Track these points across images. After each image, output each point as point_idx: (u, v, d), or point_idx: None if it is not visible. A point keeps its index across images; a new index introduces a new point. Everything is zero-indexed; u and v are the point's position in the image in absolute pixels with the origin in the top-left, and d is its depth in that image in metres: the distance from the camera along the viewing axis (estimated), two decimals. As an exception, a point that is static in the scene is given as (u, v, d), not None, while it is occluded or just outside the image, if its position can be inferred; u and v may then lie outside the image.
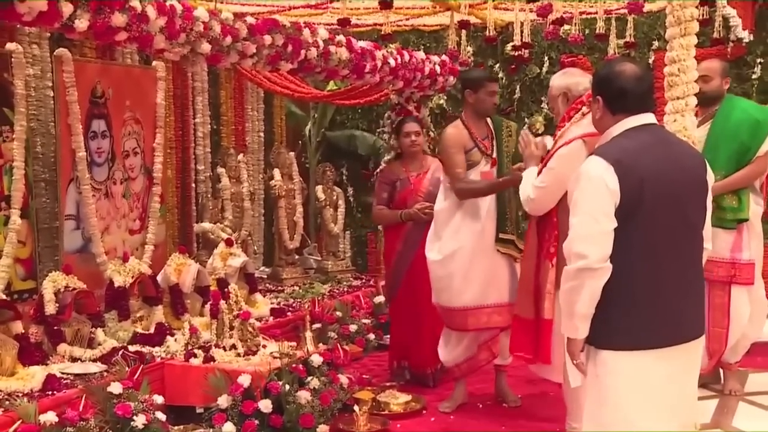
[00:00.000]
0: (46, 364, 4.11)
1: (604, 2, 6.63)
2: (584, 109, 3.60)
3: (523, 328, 3.82)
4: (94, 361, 4.23)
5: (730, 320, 4.54)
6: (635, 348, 2.53)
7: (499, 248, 4.44)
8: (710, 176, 2.73)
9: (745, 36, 5.75)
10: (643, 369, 2.53)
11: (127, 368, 3.96)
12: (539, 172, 3.66)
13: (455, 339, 4.58)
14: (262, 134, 7.99)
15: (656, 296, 2.52)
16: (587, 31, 7.09)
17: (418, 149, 5.16)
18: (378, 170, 8.25)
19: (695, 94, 4.61)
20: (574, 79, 3.78)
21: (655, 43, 7.21)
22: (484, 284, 4.42)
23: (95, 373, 4.05)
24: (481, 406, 4.67)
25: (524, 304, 3.81)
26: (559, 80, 3.83)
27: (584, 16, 7.06)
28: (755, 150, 4.49)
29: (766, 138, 4.48)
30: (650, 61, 7.26)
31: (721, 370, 4.83)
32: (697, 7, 3.76)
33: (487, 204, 4.44)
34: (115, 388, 3.67)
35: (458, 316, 4.49)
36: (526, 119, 7.81)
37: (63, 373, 4.01)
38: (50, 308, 4.27)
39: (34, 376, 3.87)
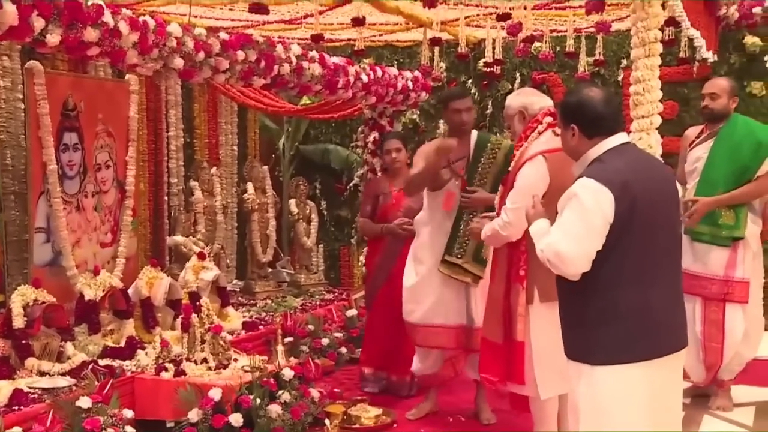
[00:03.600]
0: (13, 379, 4.07)
1: (574, 21, 6.75)
2: (540, 127, 3.70)
3: (492, 351, 3.83)
4: (63, 375, 4.20)
5: (724, 336, 4.58)
6: (634, 360, 2.55)
7: (441, 270, 4.45)
8: (679, 186, 2.84)
9: (710, 56, 5.88)
10: (642, 381, 2.55)
11: (96, 382, 3.92)
12: (504, 195, 3.74)
13: (423, 352, 4.66)
14: (235, 148, 7.98)
15: (650, 308, 2.57)
16: (557, 49, 7.20)
17: (400, 165, 5.21)
18: (352, 184, 8.33)
19: (702, 111, 4.75)
20: (530, 99, 3.88)
21: (624, 61, 7.33)
22: (432, 304, 4.50)
23: (64, 387, 4.02)
24: (451, 419, 4.70)
25: (492, 327, 3.83)
26: (515, 100, 3.92)
27: (554, 34, 7.19)
28: (754, 170, 4.52)
29: (766, 159, 4.49)
30: (619, 78, 7.40)
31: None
32: (661, 29, 3.86)
33: (447, 226, 4.48)
34: (84, 402, 3.65)
35: (411, 330, 4.63)
36: (497, 134, 7.89)
37: (30, 388, 3.97)
38: (18, 322, 4.23)
39: (0, 391, 3.84)
